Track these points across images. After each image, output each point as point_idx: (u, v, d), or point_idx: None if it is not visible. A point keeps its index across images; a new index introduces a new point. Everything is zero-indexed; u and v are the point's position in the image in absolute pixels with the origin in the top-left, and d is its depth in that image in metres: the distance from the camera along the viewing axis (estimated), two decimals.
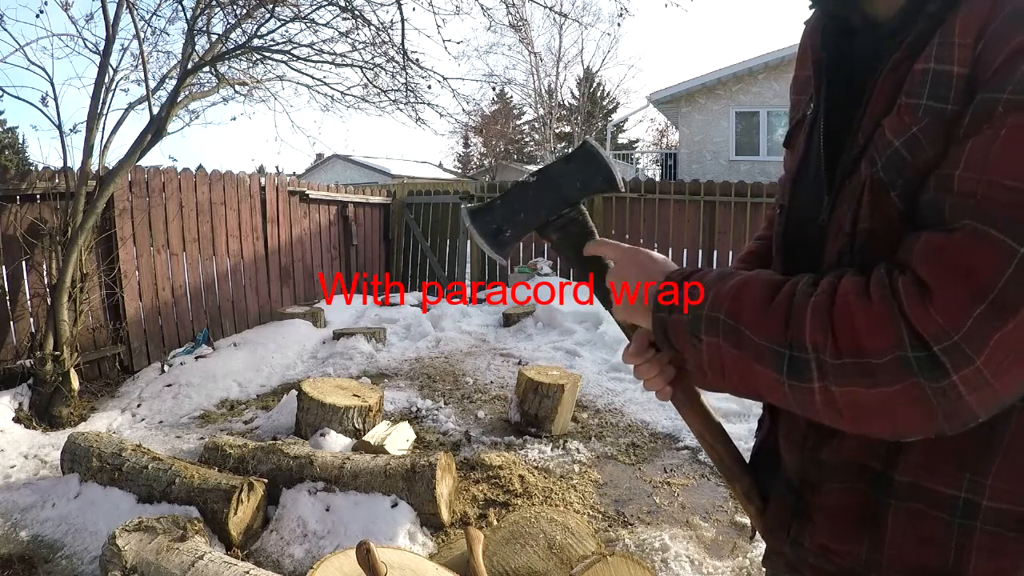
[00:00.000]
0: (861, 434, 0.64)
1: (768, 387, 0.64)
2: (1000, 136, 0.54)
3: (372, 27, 5.60)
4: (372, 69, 5.91)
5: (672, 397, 0.86)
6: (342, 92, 6.05)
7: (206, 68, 4.82)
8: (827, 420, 0.62)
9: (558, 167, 0.93)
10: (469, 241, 8.22)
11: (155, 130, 4.34)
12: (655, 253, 0.82)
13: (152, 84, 4.53)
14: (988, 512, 0.61)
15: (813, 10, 0.83)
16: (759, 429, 0.93)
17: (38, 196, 4.25)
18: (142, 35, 4.60)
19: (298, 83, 5.90)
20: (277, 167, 40.77)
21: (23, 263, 4.21)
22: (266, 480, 2.64)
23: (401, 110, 6.31)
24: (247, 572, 1.96)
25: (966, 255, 0.54)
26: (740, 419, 3.73)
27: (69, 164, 4.28)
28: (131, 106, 4.73)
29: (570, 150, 1.01)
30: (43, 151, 31.41)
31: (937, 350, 0.53)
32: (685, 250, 7.45)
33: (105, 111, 4.31)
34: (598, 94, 27.20)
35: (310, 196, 7.07)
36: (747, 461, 0.88)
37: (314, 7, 5.28)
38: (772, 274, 0.69)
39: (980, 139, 0.56)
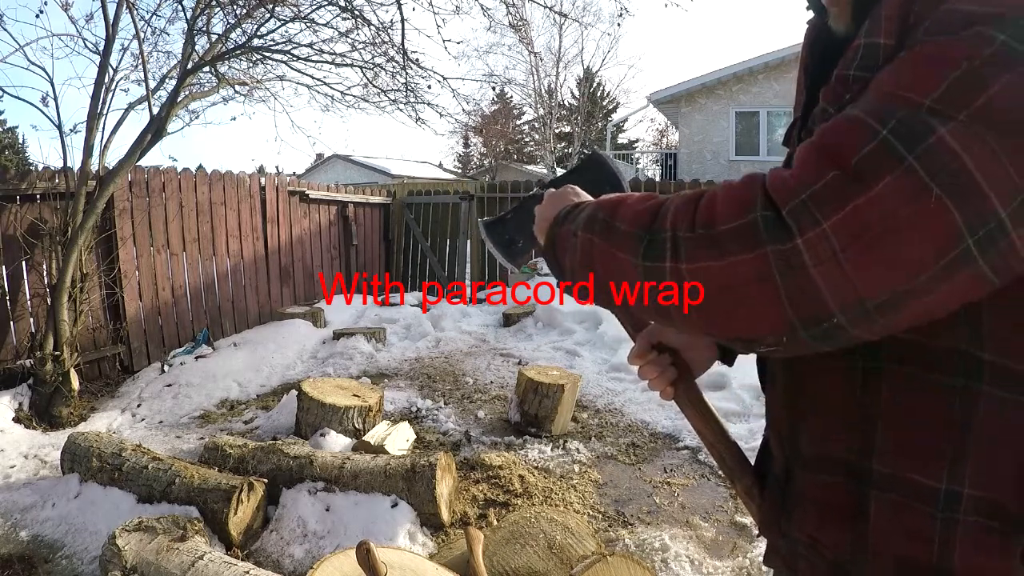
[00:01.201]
0: (734, 328, 0.59)
1: (624, 274, 0.62)
2: (895, 62, 0.56)
3: (372, 27, 5.60)
4: (372, 69, 5.91)
5: (675, 397, 0.88)
6: (342, 92, 6.06)
7: (206, 68, 4.82)
8: (681, 317, 0.59)
9: (566, 178, 0.96)
10: (469, 241, 8.23)
11: (155, 130, 4.34)
12: (580, 190, 0.84)
13: (152, 84, 4.54)
14: (970, 502, 0.59)
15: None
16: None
17: (38, 196, 4.25)
18: (142, 35, 4.60)
19: (298, 83, 5.91)
20: (277, 167, 40.81)
21: (23, 263, 4.21)
22: (266, 480, 2.64)
23: (401, 110, 6.32)
24: (247, 572, 1.96)
25: (830, 132, 0.54)
26: (740, 419, 3.73)
27: (69, 164, 4.29)
28: (131, 106, 4.73)
29: (578, 160, 1.03)
30: (43, 151, 31.41)
31: (785, 211, 0.51)
32: None
33: (105, 111, 4.31)
34: (598, 94, 27.18)
35: (310, 196, 7.07)
36: (748, 460, 0.88)
37: (314, 7, 5.29)
38: None
39: (882, 70, 0.57)
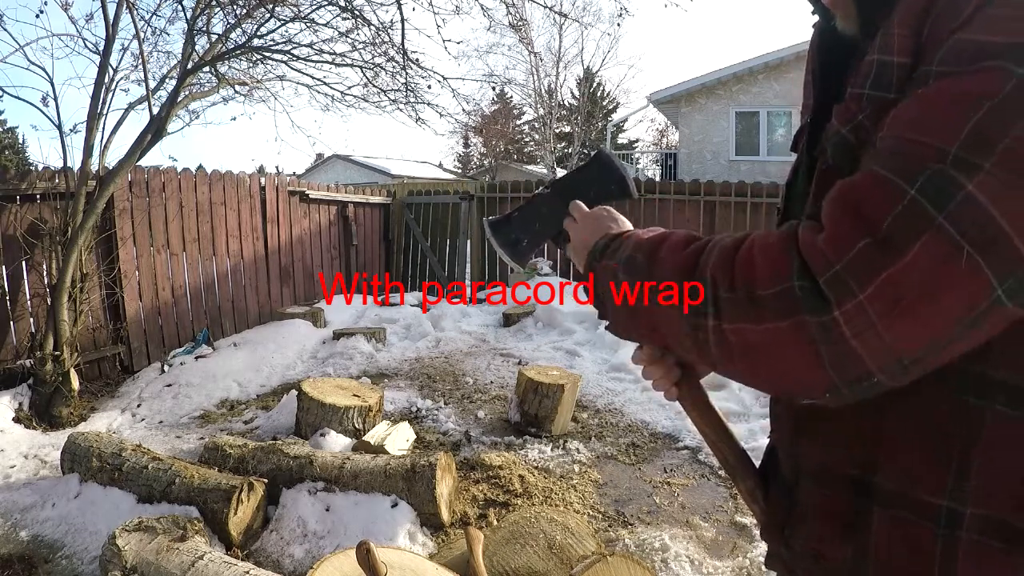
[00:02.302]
0: (780, 391, 0.64)
1: (669, 324, 0.65)
2: (914, 99, 0.55)
3: (372, 27, 5.60)
4: (372, 69, 5.92)
5: (679, 397, 0.89)
6: (342, 92, 6.06)
7: (206, 68, 4.82)
8: (726, 368, 0.62)
9: (571, 177, 0.97)
10: (469, 241, 8.22)
11: (155, 130, 4.34)
12: (616, 213, 0.86)
13: (152, 84, 4.54)
14: (973, 520, 0.59)
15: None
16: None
17: (38, 196, 4.25)
18: (142, 35, 4.60)
19: (298, 83, 5.91)
20: (277, 167, 40.81)
21: (23, 263, 4.21)
22: (266, 480, 2.64)
23: (401, 110, 6.32)
24: (247, 572, 1.96)
25: (859, 192, 0.54)
26: (740, 419, 3.73)
27: (69, 164, 4.29)
28: (131, 106, 4.73)
29: (583, 160, 1.05)
30: (43, 151, 31.41)
31: (821, 282, 0.52)
32: None
33: (105, 111, 4.31)
34: (598, 94, 27.18)
35: (310, 196, 7.07)
36: (752, 461, 0.88)
37: (314, 7, 5.29)
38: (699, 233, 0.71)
39: (901, 105, 0.57)
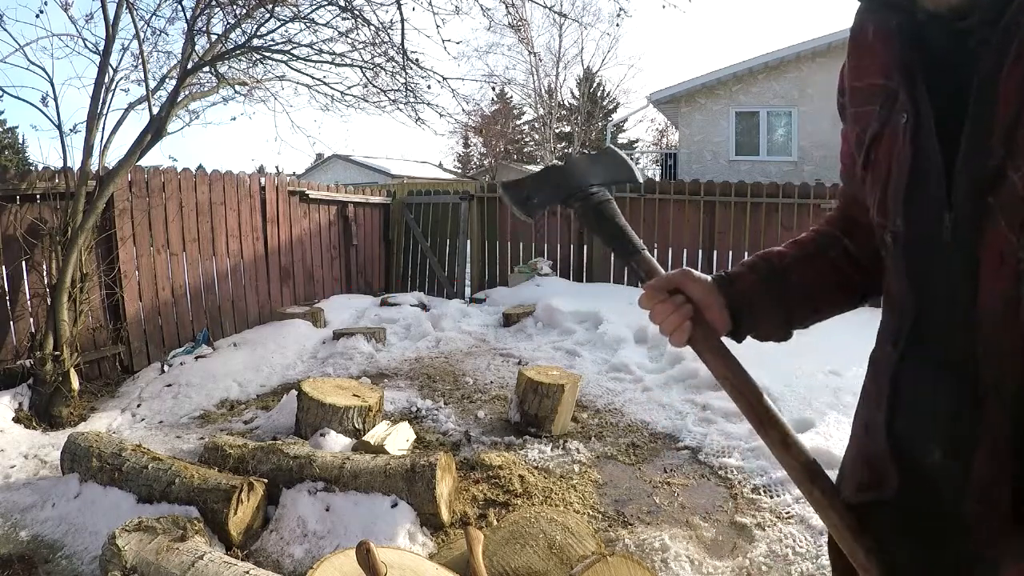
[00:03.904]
0: None
1: None
2: None
3: (372, 27, 5.60)
4: (372, 69, 5.91)
5: (691, 338, 0.86)
6: (342, 92, 6.06)
7: (206, 68, 4.82)
8: None
9: (584, 157, 1.02)
10: (469, 241, 8.23)
11: (155, 130, 4.34)
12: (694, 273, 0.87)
13: (152, 84, 4.54)
14: None
15: (869, 13, 0.78)
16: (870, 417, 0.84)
17: (38, 196, 4.25)
18: (142, 35, 4.60)
19: (298, 83, 5.91)
20: (277, 167, 40.80)
21: (23, 263, 4.21)
22: (266, 480, 2.64)
23: (401, 110, 6.32)
24: (247, 572, 1.96)
25: None
26: (741, 419, 3.73)
27: (69, 164, 4.29)
28: (131, 106, 4.74)
29: (594, 151, 1.12)
30: (43, 151, 31.38)
31: None
32: (685, 250, 7.45)
33: (105, 111, 4.31)
34: (598, 94, 27.18)
35: (310, 196, 7.07)
36: (775, 408, 0.84)
37: (314, 7, 5.29)
38: None
39: None
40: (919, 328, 0.73)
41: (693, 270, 0.91)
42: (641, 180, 1.05)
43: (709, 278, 0.91)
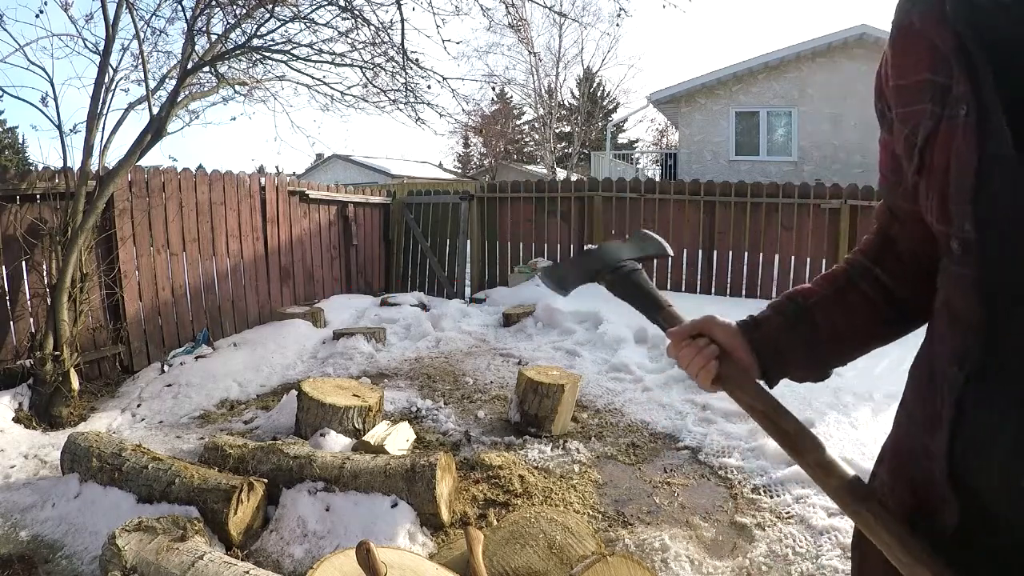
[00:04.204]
0: None
1: None
2: None
3: (372, 27, 5.60)
4: (372, 69, 5.91)
5: (721, 379, 0.86)
6: (342, 92, 6.06)
7: (206, 68, 4.82)
8: None
9: (615, 241, 1.13)
10: (469, 241, 8.23)
11: (155, 130, 4.34)
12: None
13: (152, 84, 4.54)
14: None
15: (913, 2, 0.72)
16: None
17: (38, 196, 4.25)
18: (142, 35, 4.60)
19: (298, 83, 5.91)
20: (277, 167, 40.82)
21: (23, 263, 4.21)
22: (266, 480, 2.64)
23: (401, 110, 6.32)
24: (247, 572, 1.96)
25: None
26: (742, 419, 3.73)
27: (69, 164, 4.29)
28: (131, 106, 4.73)
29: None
30: (43, 151, 31.36)
31: None
32: (685, 250, 7.45)
33: (105, 111, 4.31)
34: (598, 94, 27.18)
35: (310, 196, 7.07)
36: (812, 432, 0.82)
37: (314, 7, 5.29)
38: None
39: None
40: (991, 349, 0.66)
41: (717, 316, 0.92)
42: (671, 254, 1.12)
43: (734, 323, 0.91)
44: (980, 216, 0.64)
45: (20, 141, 21.64)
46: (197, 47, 4.77)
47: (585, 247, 1.22)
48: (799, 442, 0.80)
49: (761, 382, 0.90)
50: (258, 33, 5.02)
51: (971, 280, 0.67)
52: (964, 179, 0.65)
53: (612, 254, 1.07)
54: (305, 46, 5.37)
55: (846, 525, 2.55)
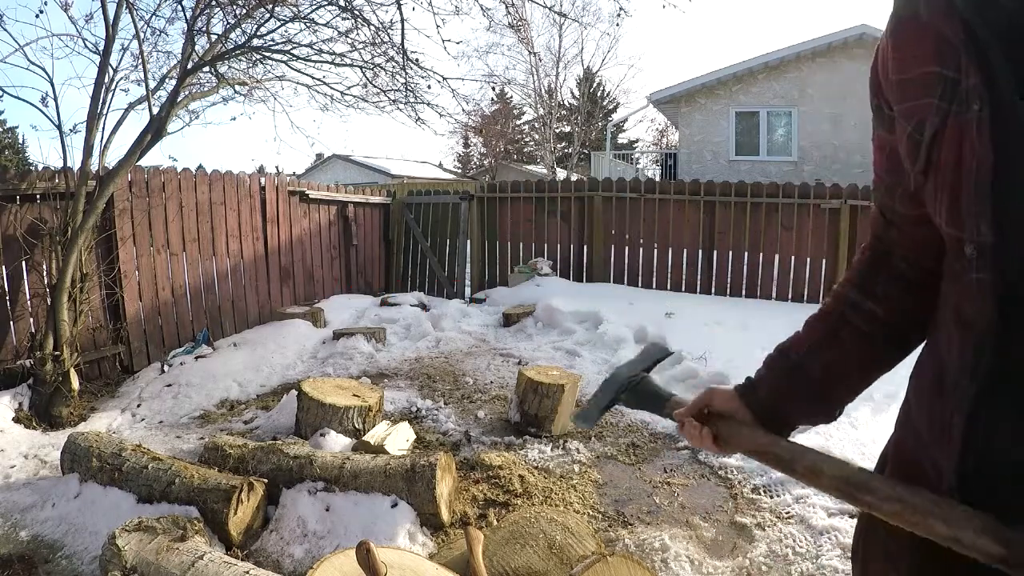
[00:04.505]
0: None
1: None
2: None
3: (372, 27, 5.60)
4: (372, 69, 5.91)
5: (717, 440, 0.93)
6: (342, 92, 6.06)
7: (206, 68, 4.82)
8: None
9: (626, 363, 1.20)
10: (469, 241, 8.23)
11: (155, 130, 4.34)
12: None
13: (152, 84, 4.54)
14: None
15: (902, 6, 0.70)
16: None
17: (38, 196, 4.25)
18: (142, 35, 4.60)
19: (298, 83, 5.91)
20: (277, 167, 40.84)
21: (23, 263, 4.21)
22: (266, 480, 2.64)
23: (401, 110, 6.31)
24: (247, 572, 1.96)
25: None
26: None
27: (69, 164, 4.29)
28: (131, 106, 4.73)
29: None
30: (43, 151, 31.33)
31: None
32: (685, 250, 7.45)
33: (105, 111, 4.31)
34: (598, 94, 27.19)
35: (310, 196, 7.07)
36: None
37: (314, 7, 5.29)
38: None
39: None
40: (1005, 357, 0.63)
41: (716, 386, 0.98)
42: (672, 352, 1.22)
43: (732, 388, 0.96)
44: (999, 218, 0.60)
45: (20, 141, 21.67)
46: (197, 47, 4.77)
47: (603, 381, 1.25)
48: (799, 469, 0.82)
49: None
50: (258, 33, 5.02)
51: (987, 285, 0.63)
52: (981, 178, 0.61)
53: (623, 375, 1.16)
54: (305, 46, 5.37)
55: (846, 525, 2.56)
